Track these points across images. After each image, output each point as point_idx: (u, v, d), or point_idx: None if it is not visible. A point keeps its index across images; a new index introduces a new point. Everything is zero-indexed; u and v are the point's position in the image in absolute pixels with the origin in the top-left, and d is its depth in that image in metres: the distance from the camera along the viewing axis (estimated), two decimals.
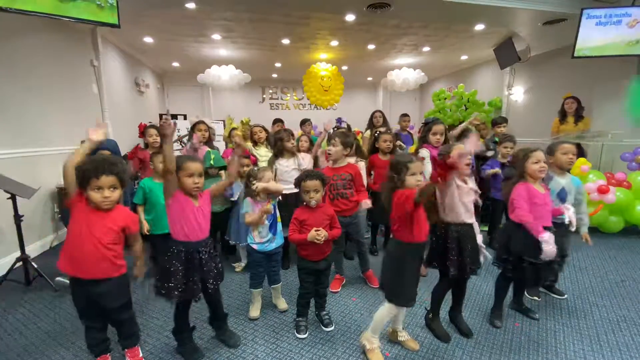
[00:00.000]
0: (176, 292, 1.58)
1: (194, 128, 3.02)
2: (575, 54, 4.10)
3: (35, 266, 2.58)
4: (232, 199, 2.74)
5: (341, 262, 2.59)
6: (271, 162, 2.77)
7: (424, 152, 2.60)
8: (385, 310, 1.73)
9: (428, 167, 2.55)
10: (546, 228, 1.86)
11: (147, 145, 3.20)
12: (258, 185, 2.01)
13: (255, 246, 2.08)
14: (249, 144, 3.30)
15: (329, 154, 2.39)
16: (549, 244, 1.74)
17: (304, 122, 4.68)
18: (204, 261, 1.64)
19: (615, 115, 4.46)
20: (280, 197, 2.48)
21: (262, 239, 2.07)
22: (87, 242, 1.45)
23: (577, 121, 4.37)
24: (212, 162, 2.67)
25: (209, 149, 2.89)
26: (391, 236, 1.77)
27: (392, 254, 1.73)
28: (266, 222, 2.06)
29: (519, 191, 1.88)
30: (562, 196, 2.15)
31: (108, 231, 1.49)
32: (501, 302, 2.10)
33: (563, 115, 4.50)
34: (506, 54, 5.72)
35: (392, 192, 1.64)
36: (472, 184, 1.81)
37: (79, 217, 1.47)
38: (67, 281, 2.35)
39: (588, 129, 4.37)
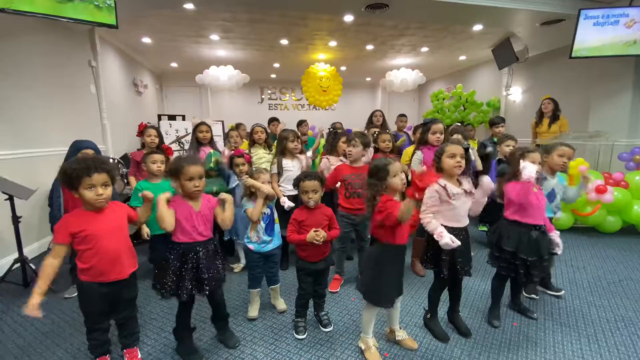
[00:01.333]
0: (168, 289, 1.59)
1: (195, 130, 3.03)
2: (573, 55, 4.12)
3: (34, 267, 2.58)
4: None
5: (343, 261, 2.59)
6: (277, 161, 2.75)
7: (418, 155, 2.61)
8: (366, 310, 1.75)
9: (419, 169, 2.57)
10: (538, 227, 1.88)
11: (143, 146, 3.19)
12: (247, 180, 1.99)
13: (251, 246, 2.07)
14: (246, 143, 3.31)
15: (350, 154, 2.40)
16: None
17: (300, 123, 4.69)
18: (201, 262, 1.63)
19: (612, 115, 4.48)
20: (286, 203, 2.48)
21: (259, 240, 2.05)
22: (114, 244, 1.51)
23: (551, 123, 4.35)
24: (212, 165, 2.67)
25: (211, 151, 2.89)
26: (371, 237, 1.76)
27: (372, 255, 1.71)
28: (262, 223, 2.04)
29: (510, 187, 1.91)
30: (551, 198, 2.17)
31: (122, 224, 1.57)
32: (498, 302, 2.10)
33: (540, 117, 4.49)
34: (504, 55, 5.74)
35: (375, 197, 1.63)
36: (467, 184, 1.80)
37: (86, 228, 1.46)
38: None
39: (566, 131, 4.34)
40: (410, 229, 1.70)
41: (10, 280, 2.55)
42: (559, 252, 1.94)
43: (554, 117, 4.35)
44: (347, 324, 2.07)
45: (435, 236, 1.69)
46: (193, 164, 1.63)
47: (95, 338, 1.61)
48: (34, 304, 1.36)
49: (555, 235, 1.94)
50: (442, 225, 1.75)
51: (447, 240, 1.62)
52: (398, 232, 1.63)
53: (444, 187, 1.75)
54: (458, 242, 1.62)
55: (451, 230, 1.74)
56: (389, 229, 1.61)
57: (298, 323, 1.98)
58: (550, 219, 2.18)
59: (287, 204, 2.51)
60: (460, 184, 1.79)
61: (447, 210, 1.77)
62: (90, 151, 2.29)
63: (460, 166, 1.74)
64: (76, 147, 2.37)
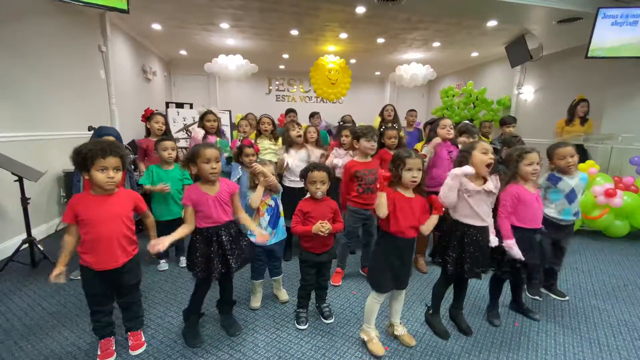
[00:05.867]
0: (198, 269, 1.67)
1: (202, 118, 3.02)
2: (589, 54, 4.03)
3: (41, 248, 2.62)
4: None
5: (346, 256, 2.60)
6: (281, 153, 2.76)
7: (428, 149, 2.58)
8: (369, 298, 1.77)
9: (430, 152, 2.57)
10: (536, 230, 1.86)
11: (148, 132, 3.18)
12: (257, 166, 1.97)
13: (253, 240, 2.02)
14: (253, 134, 3.31)
15: (372, 148, 2.40)
16: (512, 249, 1.77)
17: (312, 115, 4.67)
18: (225, 245, 1.68)
19: (626, 118, 4.40)
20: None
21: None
22: (108, 232, 1.51)
23: (583, 123, 4.40)
24: None
25: (217, 139, 2.89)
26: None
27: (377, 241, 1.78)
28: (266, 215, 2.03)
29: (508, 191, 1.87)
30: (571, 198, 2.11)
31: (123, 213, 1.57)
32: (496, 301, 2.10)
33: (571, 117, 4.49)
34: (518, 52, 5.62)
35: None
36: (492, 184, 1.75)
37: (85, 213, 1.49)
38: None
39: (591, 131, 4.37)
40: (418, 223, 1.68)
41: (18, 261, 2.59)
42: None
43: (585, 118, 4.43)
44: (349, 317, 2.08)
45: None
46: (209, 147, 1.67)
47: (98, 320, 1.65)
48: (55, 273, 1.48)
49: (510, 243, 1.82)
50: (456, 219, 1.76)
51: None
52: (392, 223, 1.63)
53: (460, 181, 1.73)
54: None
55: (463, 226, 1.74)
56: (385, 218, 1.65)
57: (300, 313, 2.00)
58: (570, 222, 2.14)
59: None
60: (485, 182, 1.76)
61: (463, 205, 1.75)
62: (111, 138, 2.32)
63: (492, 164, 1.71)
64: (99, 132, 2.41)
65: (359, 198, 2.38)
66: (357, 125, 3.46)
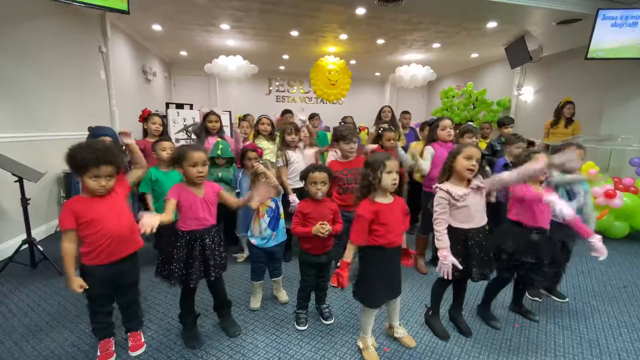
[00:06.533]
0: (176, 276, 1.62)
1: (205, 119, 3.02)
2: (589, 56, 4.03)
3: (41, 249, 2.62)
4: (237, 190, 2.74)
5: (341, 256, 2.59)
6: (282, 154, 2.76)
7: (430, 150, 2.58)
8: (363, 309, 1.74)
9: (426, 165, 2.54)
10: (542, 230, 1.85)
11: (146, 133, 3.17)
12: (259, 166, 1.96)
13: (254, 241, 2.05)
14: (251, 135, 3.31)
15: (352, 150, 2.40)
16: (556, 204, 1.68)
17: (312, 117, 4.67)
18: (207, 249, 1.66)
19: (626, 119, 4.40)
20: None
21: (261, 234, 2.03)
22: (111, 226, 1.50)
23: (568, 125, 4.52)
24: (219, 152, 2.68)
25: (219, 139, 2.89)
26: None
27: (361, 254, 1.69)
28: (266, 216, 2.02)
29: (518, 187, 1.87)
30: (570, 197, 2.12)
31: (122, 205, 1.56)
32: (489, 302, 2.08)
33: (557, 119, 4.61)
34: (518, 53, 5.63)
35: (364, 195, 1.63)
36: (477, 180, 1.75)
37: (88, 214, 1.48)
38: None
39: (578, 133, 4.44)
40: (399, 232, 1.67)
41: (18, 261, 2.59)
42: (601, 258, 1.74)
43: (571, 120, 4.53)
44: (348, 318, 2.08)
45: (438, 254, 1.68)
46: (196, 150, 1.64)
47: (98, 321, 1.64)
48: (77, 283, 1.48)
49: (595, 240, 1.77)
50: (456, 227, 1.73)
51: (448, 265, 1.63)
52: (379, 235, 1.59)
53: (447, 192, 1.72)
54: (450, 276, 1.64)
55: (465, 231, 1.73)
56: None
57: (299, 314, 2.00)
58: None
59: (295, 201, 2.47)
60: (468, 182, 1.75)
61: (459, 211, 1.73)
62: (108, 139, 2.31)
63: (473, 170, 1.70)
64: (95, 133, 2.40)
65: (338, 199, 2.35)
66: (357, 126, 3.47)
